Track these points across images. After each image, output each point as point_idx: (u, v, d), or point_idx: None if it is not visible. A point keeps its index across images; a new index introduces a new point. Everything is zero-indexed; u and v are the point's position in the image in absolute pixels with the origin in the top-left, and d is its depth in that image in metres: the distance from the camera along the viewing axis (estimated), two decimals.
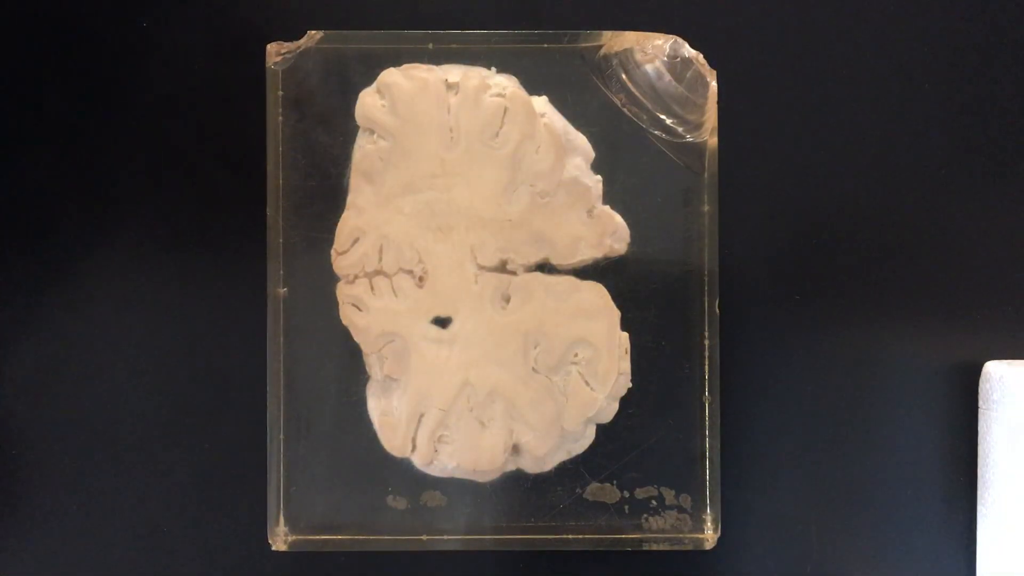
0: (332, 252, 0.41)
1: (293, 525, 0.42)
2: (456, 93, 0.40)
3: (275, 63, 0.41)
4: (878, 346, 0.43)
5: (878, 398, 0.43)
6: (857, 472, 0.43)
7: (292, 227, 0.41)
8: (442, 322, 0.41)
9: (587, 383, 0.41)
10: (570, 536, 0.42)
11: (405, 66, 0.40)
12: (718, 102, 0.41)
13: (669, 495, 0.42)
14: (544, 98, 0.41)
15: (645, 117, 0.41)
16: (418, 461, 0.41)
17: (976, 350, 0.43)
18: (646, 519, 0.42)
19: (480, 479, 0.41)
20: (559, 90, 0.41)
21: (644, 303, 0.42)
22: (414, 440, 0.41)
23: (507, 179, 0.40)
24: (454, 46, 0.41)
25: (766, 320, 0.43)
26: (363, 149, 0.40)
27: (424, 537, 0.42)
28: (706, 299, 0.42)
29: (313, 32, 0.41)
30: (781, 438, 0.43)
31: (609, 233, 0.41)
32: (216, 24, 0.43)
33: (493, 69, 0.41)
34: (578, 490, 0.42)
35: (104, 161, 0.43)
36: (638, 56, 0.41)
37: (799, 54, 0.43)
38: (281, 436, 0.42)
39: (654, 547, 0.42)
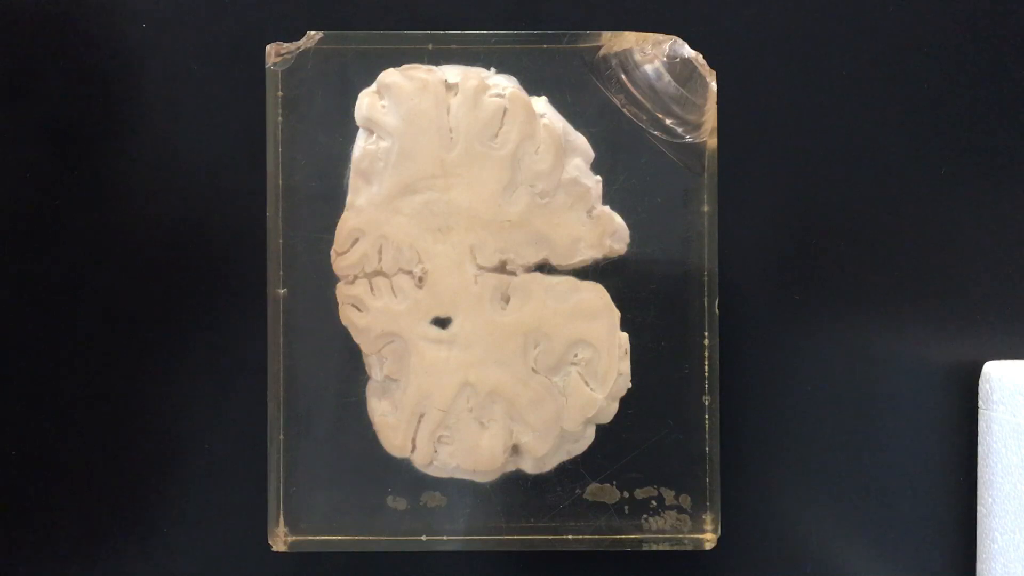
0: (332, 252, 0.41)
1: (293, 525, 0.42)
2: (456, 94, 0.40)
3: (275, 63, 0.41)
4: (878, 346, 0.43)
5: (878, 398, 0.43)
6: (857, 472, 0.43)
7: (292, 228, 0.41)
8: (442, 322, 0.41)
9: (587, 383, 0.41)
10: (570, 536, 0.42)
11: (405, 67, 0.40)
12: (718, 102, 0.41)
13: (669, 495, 0.42)
14: (544, 98, 0.41)
15: (645, 118, 0.41)
16: (418, 461, 0.41)
17: (976, 350, 0.43)
18: (646, 519, 0.42)
19: (480, 479, 0.41)
20: (558, 90, 0.41)
21: (644, 303, 0.42)
22: (414, 440, 0.41)
23: (507, 180, 0.40)
24: (454, 47, 0.41)
25: (766, 320, 0.43)
26: (362, 149, 0.40)
27: (424, 537, 0.42)
28: (706, 299, 0.42)
29: (313, 32, 0.41)
30: (781, 438, 0.43)
31: (609, 234, 0.41)
32: (216, 24, 0.43)
33: (493, 69, 0.41)
34: (578, 490, 0.42)
35: (104, 161, 0.43)
36: (637, 56, 0.41)
37: (799, 54, 0.43)
38: (281, 436, 0.42)
39: (654, 547, 0.42)
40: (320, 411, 0.42)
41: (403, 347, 0.40)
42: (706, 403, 0.42)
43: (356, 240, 0.40)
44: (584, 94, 0.41)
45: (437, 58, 0.41)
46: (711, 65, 0.41)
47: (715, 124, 0.41)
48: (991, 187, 0.43)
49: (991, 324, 0.43)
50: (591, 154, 0.41)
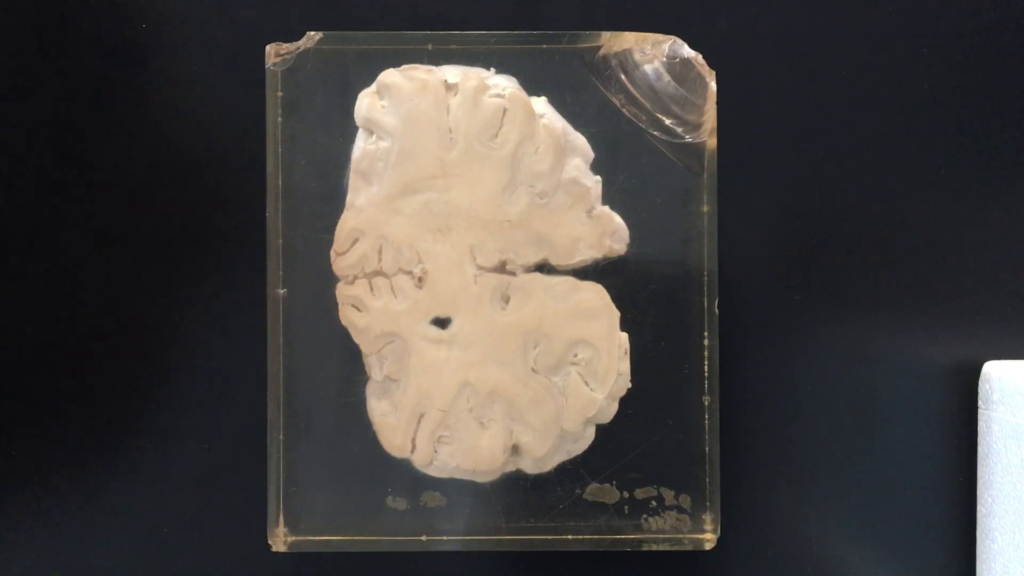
0: (332, 252, 0.41)
1: (293, 526, 0.42)
2: (455, 94, 0.40)
3: (275, 64, 0.41)
4: (878, 346, 0.43)
5: (878, 398, 0.43)
6: (857, 472, 0.43)
7: (292, 228, 0.41)
8: (442, 323, 0.41)
9: (587, 384, 0.41)
10: (570, 536, 0.42)
11: (404, 67, 0.40)
12: (717, 102, 0.41)
13: (669, 495, 0.42)
14: (543, 99, 0.41)
15: (644, 118, 0.41)
16: (418, 461, 0.41)
17: (976, 350, 0.43)
18: (646, 519, 0.42)
19: (480, 479, 0.41)
20: (558, 91, 0.41)
21: (644, 303, 0.42)
22: (414, 440, 0.41)
23: (506, 180, 0.40)
24: (453, 47, 0.41)
25: (766, 320, 0.43)
26: (362, 150, 0.40)
27: (424, 537, 0.42)
28: (706, 299, 0.42)
29: (312, 33, 0.41)
30: (781, 438, 0.43)
31: (609, 234, 0.41)
32: (216, 24, 0.43)
33: (492, 70, 0.41)
34: (578, 490, 0.42)
35: (104, 161, 0.43)
36: (637, 57, 0.41)
37: (799, 54, 0.43)
38: (281, 436, 0.42)
39: (654, 547, 0.42)
40: (320, 411, 0.42)
41: (403, 347, 0.41)
42: (706, 403, 0.42)
43: (356, 240, 0.40)
44: (584, 94, 0.41)
45: (437, 58, 0.41)
46: (711, 65, 0.41)
47: (715, 124, 0.41)
48: (991, 187, 0.43)
49: (991, 324, 0.43)
50: (591, 154, 0.41)
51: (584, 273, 0.41)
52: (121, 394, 0.43)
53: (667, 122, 0.41)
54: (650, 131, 0.41)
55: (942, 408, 0.43)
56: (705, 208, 0.41)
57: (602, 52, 0.41)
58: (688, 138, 0.41)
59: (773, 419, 0.43)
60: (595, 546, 0.42)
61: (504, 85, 0.40)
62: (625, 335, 0.41)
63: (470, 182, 0.40)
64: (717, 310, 0.41)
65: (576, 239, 0.40)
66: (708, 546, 0.42)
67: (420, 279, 0.40)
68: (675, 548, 0.42)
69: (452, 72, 0.40)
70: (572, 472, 0.42)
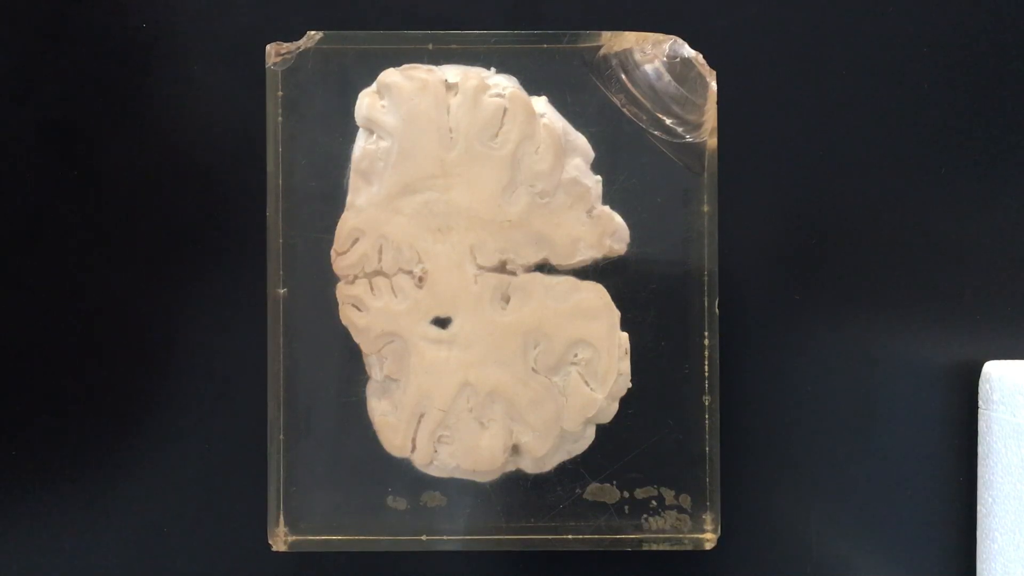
0: (332, 252, 0.41)
1: (293, 525, 0.42)
2: (455, 93, 0.40)
3: (275, 63, 0.41)
4: (878, 346, 0.43)
5: (878, 398, 0.43)
6: (857, 472, 0.43)
7: (292, 227, 0.41)
8: (442, 322, 0.41)
9: (587, 383, 0.41)
10: (570, 536, 0.42)
11: (405, 66, 0.40)
12: (718, 102, 0.41)
13: (669, 495, 0.42)
14: (544, 98, 0.41)
15: (645, 117, 0.41)
16: (418, 461, 0.41)
17: (976, 350, 0.43)
18: (646, 519, 0.42)
19: (480, 479, 0.41)
20: (559, 90, 0.41)
21: (644, 303, 0.42)
22: (414, 440, 0.41)
23: (506, 179, 0.40)
24: (454, 46, 0.41)
25: (766, 320, 0.43)
26: (362, 149, 0.40)
27: (424, 537, 0.42)
28: (706, 299, 0.42)
29: (313, 32, 0.41)
30: (781, 438, 0.43)
31: (609, 233, 0.41)
32: (216, 24, 0.43)
33: (493, 69, 0.41)
34: (578, 490, 0.42)
35: (104, 161, 0.43)
36: (637, 56, 0.41)
37: (799, 54, 0.43)
38: (281, 436, 0.42)
39: (654, 547, 0.42)
40: (320, 411, 0.42)
41: (403, 347, 0.41)
42: (706, 403, 0.42)
43: (356, 240, 0.40)
44: (584, 94, 0.41)
45: (437, 58, 0.41)
46: (711, 65, 0.41)
47: (715, 124, 0.41)
48: (991, 187, 0.43)
49: (991, 324, 0.43)
50: (591, 154, 0.41)
51: (584, 273, 0.41)
52: (121, 394, 0.43)
53: (667, 122, 0.41)
54: (650, 131, 0.41)
55: (942, 408, 0.43)
56: (705, 208, 0.41)
57: (602, 52, 0.41)
58: (688, 138, 0.41)
59: (773, 419, 0.43)
60: (595, 546, 0.42)
61: (504, 85, 0.40)
62: (625, 335, 0.41)
63: (470, 182, 0.40)
64: (717, 310, 0.41)
65: (576, 239, 0.40)
66: (708, 546, 0.42)
67: (420, 279, 0.40)
68: (675, 548, 0.42)
69: (452, 72, 0.40)
70: (572, 472, 0.42)
